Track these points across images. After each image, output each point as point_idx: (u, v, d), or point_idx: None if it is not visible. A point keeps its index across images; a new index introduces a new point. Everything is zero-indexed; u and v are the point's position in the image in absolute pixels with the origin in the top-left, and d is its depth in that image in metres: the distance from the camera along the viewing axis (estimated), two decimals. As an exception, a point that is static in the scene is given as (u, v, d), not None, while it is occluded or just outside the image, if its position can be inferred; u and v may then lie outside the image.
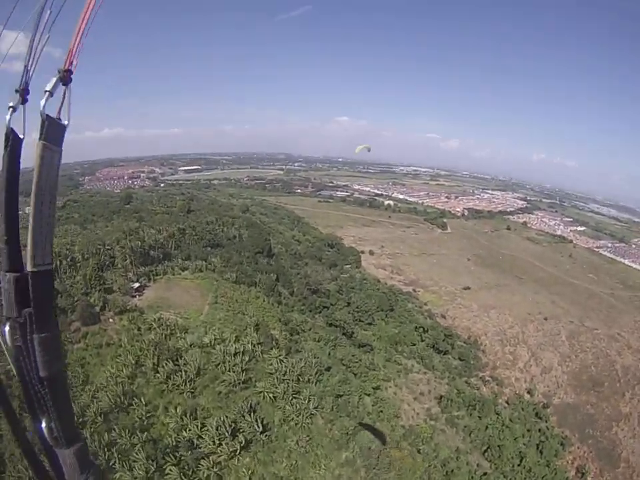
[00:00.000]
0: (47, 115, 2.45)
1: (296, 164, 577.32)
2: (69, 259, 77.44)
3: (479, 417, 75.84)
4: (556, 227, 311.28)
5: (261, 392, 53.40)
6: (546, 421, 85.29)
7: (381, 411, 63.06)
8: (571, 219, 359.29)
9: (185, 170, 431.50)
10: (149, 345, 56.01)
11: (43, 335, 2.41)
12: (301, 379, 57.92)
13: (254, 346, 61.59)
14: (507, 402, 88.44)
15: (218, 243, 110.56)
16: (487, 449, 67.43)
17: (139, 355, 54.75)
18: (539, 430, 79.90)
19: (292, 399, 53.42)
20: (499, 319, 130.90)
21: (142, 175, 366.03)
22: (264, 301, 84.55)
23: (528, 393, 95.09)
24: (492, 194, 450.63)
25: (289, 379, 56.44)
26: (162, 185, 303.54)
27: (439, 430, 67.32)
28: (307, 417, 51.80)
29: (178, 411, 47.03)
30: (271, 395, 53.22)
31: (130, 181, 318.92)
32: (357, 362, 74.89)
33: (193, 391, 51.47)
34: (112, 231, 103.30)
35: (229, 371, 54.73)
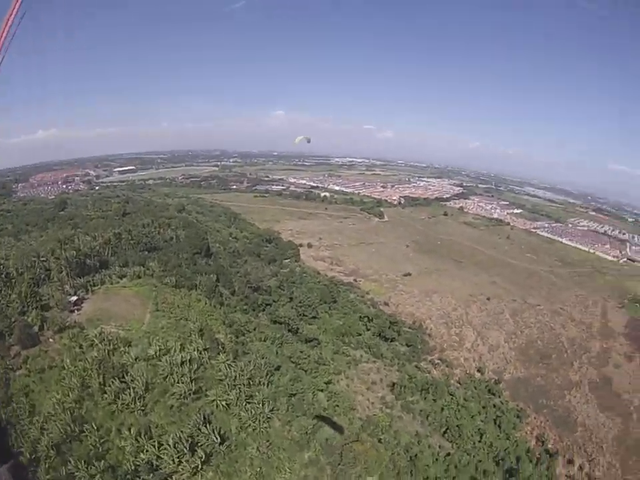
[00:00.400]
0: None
1: (231, 160, 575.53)
2: (3, 275, 71.79)
3: (434, 399, 76.86)
4: (492, 210, 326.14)
5: (213, 401, 50.91)
6: (499, 397, 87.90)
7: (337, 405, 62.28)
8: (507, 202, 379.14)
9: (119, 171, 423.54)
10: (93, 364, 51.96)
11: None
12: (251, 382, 55.94)
13: (200, 353, 58.92)
14: (458, 382, 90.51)
15: (155, 246, 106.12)
16: (446, 430, 68.34)
17: (83, 375, 50.60)
18: (494, 405, 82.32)
19: (246, 404, 51.34)
20: (442, 303, 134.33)
21: (76, 178, 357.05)
22: (205, 303, 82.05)
23: (478, 371, 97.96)
24: (428, 181, 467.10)
25: (239, 384, 54.38)
26: (97, 187, 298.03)
27: (396, 417, 67.66)
28: (263, 422, 49.85)
29: (132, 431, 43.62)
30: (223, 403, 50.84)
31: (64, 186, 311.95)
32: (305, 358, 74.23)
33: (143, 408, 48.15)
34: (47, 241, 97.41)
35: (178, 382, 51.79)
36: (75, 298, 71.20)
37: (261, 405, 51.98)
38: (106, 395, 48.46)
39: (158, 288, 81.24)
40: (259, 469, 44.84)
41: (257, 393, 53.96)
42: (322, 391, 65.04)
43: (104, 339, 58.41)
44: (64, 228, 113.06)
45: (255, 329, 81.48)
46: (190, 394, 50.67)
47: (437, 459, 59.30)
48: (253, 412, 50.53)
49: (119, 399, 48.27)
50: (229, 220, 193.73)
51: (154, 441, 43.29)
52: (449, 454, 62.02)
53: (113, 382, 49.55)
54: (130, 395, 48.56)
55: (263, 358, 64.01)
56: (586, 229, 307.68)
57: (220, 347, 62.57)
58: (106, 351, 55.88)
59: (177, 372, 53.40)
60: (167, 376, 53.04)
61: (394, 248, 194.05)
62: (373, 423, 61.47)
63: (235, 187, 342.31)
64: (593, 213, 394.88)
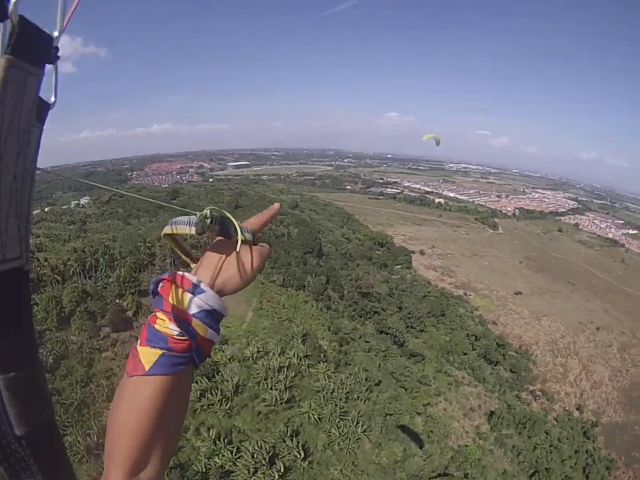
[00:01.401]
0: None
1: (345, 160, 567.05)
2: (106, 257, 73.24)
3: (529, 436, 72.26)
4: (607, 229, 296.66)
5: (305, 412, 49.44)
6: (593, 441, 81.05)
7: (431, 432, 59.45)
8: (623, 221, 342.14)
9: (234, 165, 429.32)
10: None
11: (13, 375, 0.95)
12: (349, 397, 54.11)
13: (300, 359, 56.80)
14: (555, 419, 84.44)
15: (266, 241, 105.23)
16: (534, 473, 64.69)
17: None
18: (587, 451, 75.81)
19: (339, 421, 49.59)
20: (551, 328, 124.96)
21: (190, 170, 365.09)
22: (312, 306, 79.08)
23: (577, 409, 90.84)
24: (542, 193, 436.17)
25: (336, 398, 52.37)
26: (210, 180, 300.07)
27: (487, 450, 64.36)
28: (353, 441, 48.09)
29: (211, 433, 43.00)
30: (316, 416, 49.21)
31: (178, 176, 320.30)
32: (408, 375, 70.96)
33: (229, 411, 47.44)
34: (155, 227, 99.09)
35: (271, 388, 50.52)
36: None
37: (354, 423, 50.06)
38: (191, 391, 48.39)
39: (264, 285, 79.30)
40: (337, 492, 42.83)
41: (352, 410, 52.11)
42: (420, 414, 62.33)
43: None
44: (174, 216, 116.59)
45: (360, 337, 78.56)
46: (282, 402, 49.35)
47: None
48: (345, 430, 48.82)
49: (203, 397, 47.69)
50: (341, 220, 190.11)
51: (233, 446, 42.53)
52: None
53: (201, 380, 48.97)
54: (217, 395, 47.73)
55: (365, 371, 61.97)
56: None
57: (322, 355, 60.52)
58: (200, 345, 56.32)
59: (272, 377, 52.12)
60: (261, 380, 51.84)
61: (507, 263, 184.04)
62: (463, 455, 58.80)
63: (349, 187, 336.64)
64: None
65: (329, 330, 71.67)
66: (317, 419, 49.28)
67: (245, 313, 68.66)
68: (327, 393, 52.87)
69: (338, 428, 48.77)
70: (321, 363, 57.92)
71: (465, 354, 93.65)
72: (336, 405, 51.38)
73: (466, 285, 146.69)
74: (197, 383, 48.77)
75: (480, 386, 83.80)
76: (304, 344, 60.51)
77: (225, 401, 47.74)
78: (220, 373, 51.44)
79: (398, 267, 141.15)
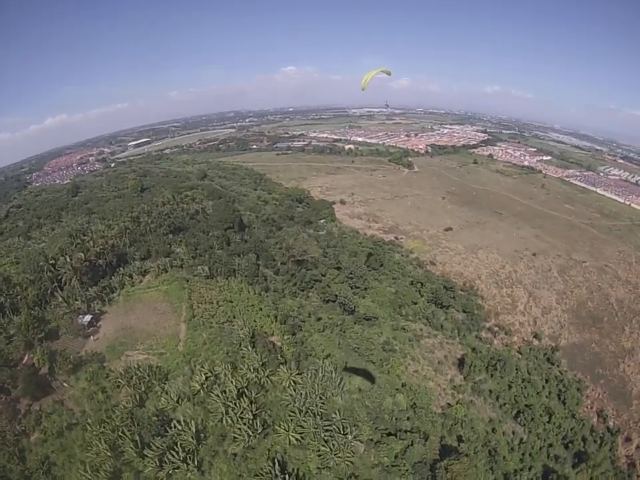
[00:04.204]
0: None
1: (247, 120, 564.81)
2: (4, 295, 60.43)
3: (501, 376, 74.18)
4: (522, 157, 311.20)
5: (285, 436, 41.01)
6: (558, 366, 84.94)
7: (415, 404, 58.37)
8: (535, 149, 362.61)
9: (134, 145, 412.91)
10: (123, 418, 41.12)
11: None
12: (324, 398, 46.46)
13: (257, 371, 47.44)
14: (519, 352, 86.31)
15: (180, 225, 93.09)
16: (518, 413, 66.99)
17: (113, 437, 39.46)
18: (556, 377, 79.62)
19: (324, 435, 41.87)
20: (489, 259, 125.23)
21: (91, 158, 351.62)
22: (249, 292, 69.97)
23: (535, 337, 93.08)
24: (451, 128, 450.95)
25: (311, 405, 44.57)
26: (112, 165, 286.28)
27: (468, 402, 65.97)
28: (347, 452, 40.88)
29: None
30: (297, 437, 41.07)
31: (79, 168, 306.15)
32: (372, 348, 66.51)
33: (199, 467, 37.89)
34: (58, 236, 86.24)
35: (237, 421, 41.06)
36: (88, 318, 58.93)
37: (341, 431, 42.66)
38: (148, 460, 37.51)
39: (190, 282, 68.80)
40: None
41: (333, 414, 44.56)
42: (398, 390, 60.01)
43: (132, 376, 46.02)
44: (77, 216, 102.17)
45: (309, 316, 71.00)
46: (255, 434, 40.32)
47: (512, 448, 59.70)
48: (334, 443, 41.26)
49: (165, 462, 37.36)
50: (254, 182, 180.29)
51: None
52: (521, 440, 61.81)
53: (153, 440, 38.58)
54: (179, 452, 37.67)
55: (328, 357, 56.17)
56: (617, 178, 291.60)
57: (279, 357, 52.05)
58: (137, 394, 44.12)
59: (233, 408, 42.46)
60: (222, 417, 41.93)
61: (430, 200, 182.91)
62: (452, 418, 59.43)
63: (255, 146, 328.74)
64: (622, 161, 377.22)
65: (276, 319, 63.15)
66: (299, 439, 41.11)
67: (176, 328, 57.19)
68: (299, 402, 44.86)
69: (326, 442, 41.18)
70: (281, 366, 49.55)
71: (415, 303, 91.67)
72: (314, 415, 43.62)
73: (394, 229, 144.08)
74: (149, 445, 38.42)
75: (439, 334, 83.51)
76: (255, 349, 51.38)
77: (190, 457, 37.76)
78: (172, 423, 40.98)
79: (322, 221, 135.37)
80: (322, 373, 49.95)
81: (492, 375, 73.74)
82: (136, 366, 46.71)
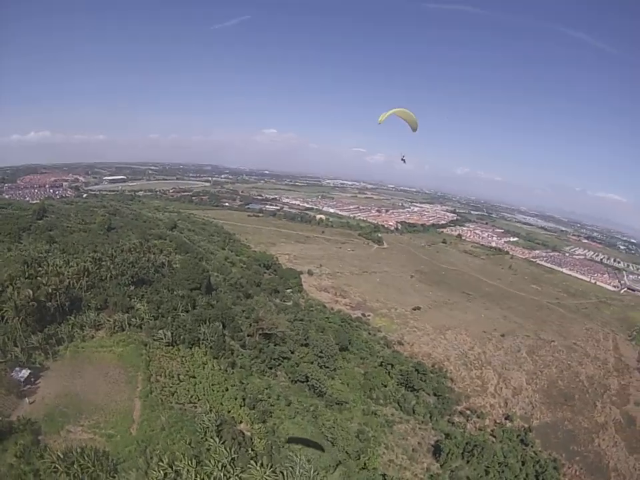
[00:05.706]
0: None
1: (222, 176, 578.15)
2: None
3: (477, 462, 71.36)
4: (489, 238, 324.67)
5: None
6: (532, 447, 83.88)
7: None
8: (502, 230, 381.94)
9: (109, 180, 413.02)
10: None
11: None
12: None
13: (225, 469, 39.54)
14: (492, 434, 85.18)
15: (144, 277, 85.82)
16: None
17: None
18: (531, 458, 78.03)
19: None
20: (457, 340, 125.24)
21: (64, 183, 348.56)
22: (214, 367, 63.76)
23: (507, 419, 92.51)
24: (421, 207, 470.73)
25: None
26: (84, 195, 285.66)
27: None
28: None
29: None
30: None
31: (52, 190, 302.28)
32: (348, 437, 63.36)
33: None
34: (10, 261, 75.69)
35: None
36: (26, 373, 49.01)
37: None
38: None
39: (149, 348, 61.25)
40: None
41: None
42: None
43: (73, 462, 36.31)
44: (38, 241, 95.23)
45: (278, 399, 65.35)
46: None
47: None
48: None
49: None
50: (222, 240, 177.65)
51: None
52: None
53: None
54: None
55: (302, 448, 51.11)
56: (582, 257, 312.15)
57: (249, 450, 45.60)
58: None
59: None
60: None
61: (399, 278, 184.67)
62: None
63: (227, 204, 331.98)
64: (586, 241, 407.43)
65: (244, 402, 57.73)
66: None
67: (129, 402, 48.82)
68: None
69: None
70: (252, 461, 42.02)
71: (385, 385, 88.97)
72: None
73: (362, 305, 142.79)
74: None
75: (411, 419, 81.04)
76: (223, 441, 44.64)
77: None
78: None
79: (289, 290, 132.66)
80: (299, 470, 43.99)
81: (468, 461, 71.54)
82: (79, 450, 37.87)
